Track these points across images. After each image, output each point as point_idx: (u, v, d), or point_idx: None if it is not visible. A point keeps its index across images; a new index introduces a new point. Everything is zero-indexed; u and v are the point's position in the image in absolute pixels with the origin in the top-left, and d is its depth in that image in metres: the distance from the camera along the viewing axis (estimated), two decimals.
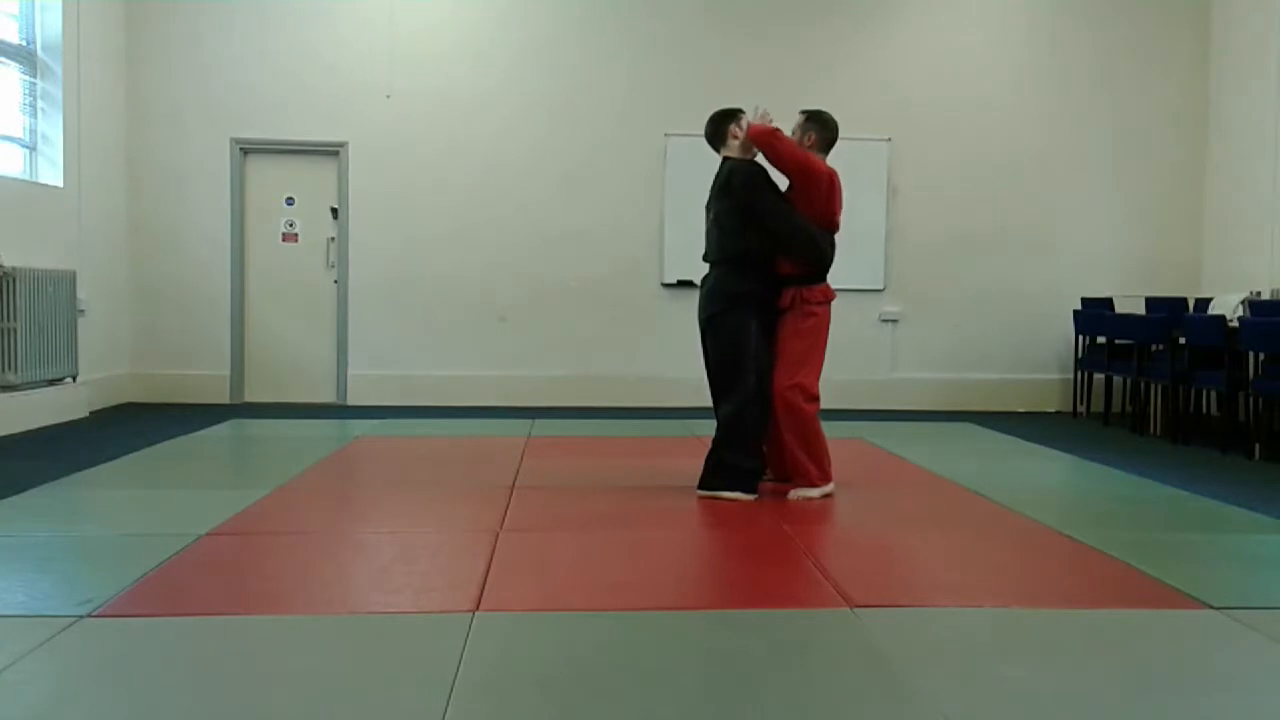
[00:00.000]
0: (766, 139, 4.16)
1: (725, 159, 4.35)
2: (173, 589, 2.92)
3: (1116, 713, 2.15)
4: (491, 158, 7.80)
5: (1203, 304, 7.30)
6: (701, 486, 4.26)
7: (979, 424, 6.94)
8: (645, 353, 7.83)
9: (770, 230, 4.19)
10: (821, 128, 4.33)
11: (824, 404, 4.30)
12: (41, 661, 2.35)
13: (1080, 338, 7.75)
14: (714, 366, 4.33)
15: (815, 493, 4.23)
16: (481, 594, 2.85)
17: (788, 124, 4.39)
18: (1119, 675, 2.35)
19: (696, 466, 4.85)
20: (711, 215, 4.33)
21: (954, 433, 6.54)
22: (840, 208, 4.27)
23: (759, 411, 4.20)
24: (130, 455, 5.15)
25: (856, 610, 2.76)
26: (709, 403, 4.39)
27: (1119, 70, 8.06)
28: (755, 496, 4.22)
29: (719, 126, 4.35)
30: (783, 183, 4.33)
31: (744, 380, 4.18)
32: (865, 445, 5.81)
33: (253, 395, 7.78)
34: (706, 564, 3.28)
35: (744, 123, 4.30)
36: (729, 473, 4.22)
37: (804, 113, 4.41)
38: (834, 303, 4.29)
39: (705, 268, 4.38)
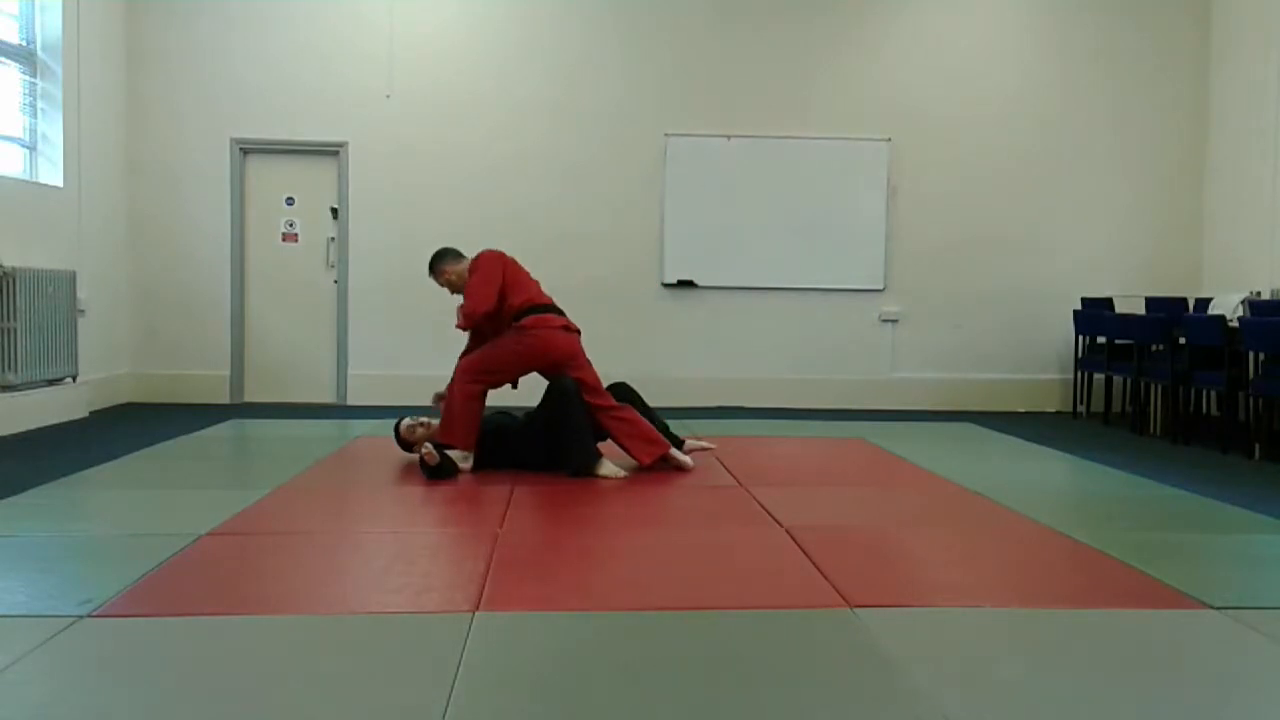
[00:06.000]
0: (470, 317, 4.79)
1: None
2: (173, 589, 2.92)
3: (1116, 713, 2.15)
4: (492, 158, 7.80)
5: (1203, 304, 7.30)
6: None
7: (979, 424, 6.94)
8: (645, 353, 7.82)
9: None
10: (444, 259, 4.99)
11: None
12: (41, 661, 2.34)
13: (1080, 338, 7.75)
14: None
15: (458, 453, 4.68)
16: (481, 594, 2.85)
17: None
18: (1119, 675, 2.35)
19: (697, 466, 4.87)
20: None
21: (954, 433, 6.54)
22: (490, 278, 4.75)
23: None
24: (130, 455, 5.15)
25: (856, 610, 2.76)
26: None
27: (1119, 70, 8.06)
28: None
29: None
30: None
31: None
32: (865, 445, 5.81)
33: (253, 395, 7.78)
34: (706, 564, 3.27)
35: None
36: None
37: (431, 269, 5.03)
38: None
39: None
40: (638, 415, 4.86)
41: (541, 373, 4.84)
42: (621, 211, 7.82)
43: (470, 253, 4.93)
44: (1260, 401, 5.87)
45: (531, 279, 4.94)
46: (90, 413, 6.80)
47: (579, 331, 4.91)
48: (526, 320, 4.77)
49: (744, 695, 2.20)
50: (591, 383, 4.82)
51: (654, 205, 7.87)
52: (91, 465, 4.83)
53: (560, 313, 4.90)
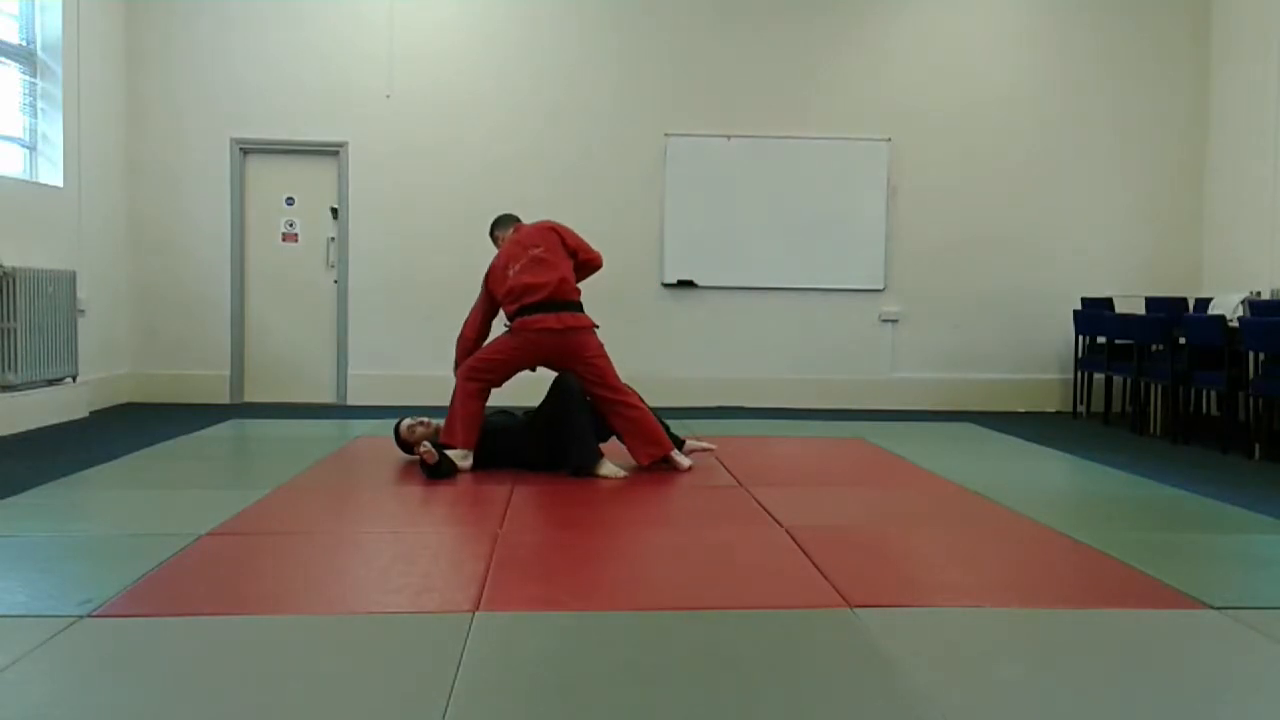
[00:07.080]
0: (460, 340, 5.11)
1: None
2: (173, 589, 2.92)
3: (1117, 713, 2.15)
4: (491, 157, 7.80)
5: (1203, 304, 7.30)
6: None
7: (979, 424, 6.94)
8: (645, 353, 7.82)
9: None
10: (496, 226, 5.42)
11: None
12: (41, 661, 2.34)
13: (1080, 338, 7.75)
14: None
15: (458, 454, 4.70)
16: (481, 594, 2.85)
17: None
18: (1119, 675, 2.35)
19: (697, 467, 4.87)
20: None
21: (954, 433, 6.54)
22: (505, 264, 4.95)
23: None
24: (130, 455, 5.15)
25: (856, 610, 2.76)
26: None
27: (1119, 70, 8.07)
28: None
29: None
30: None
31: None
32: (865, 445, 5.81)
33: (253, 395, 7.78)
34: (706, 564, 3.27)
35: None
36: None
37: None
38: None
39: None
40: (646, 412, 4.84)
41: (549, 366, 4.86)
42: (621, 211, 7.82)
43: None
44: (1260, 401, 5.87)
45: (540, 268, 4.83)
46: (90, 413, 6.80)
47: (581, 327, 4.81)
48: (516, 322, 4.82)
49: (744, 695, 2.20)
50: (600, 376, 4.79)
51: (654, 205, 7.87)
52: (91, 465, 4.83)
53: (557, 308, 4.78)
